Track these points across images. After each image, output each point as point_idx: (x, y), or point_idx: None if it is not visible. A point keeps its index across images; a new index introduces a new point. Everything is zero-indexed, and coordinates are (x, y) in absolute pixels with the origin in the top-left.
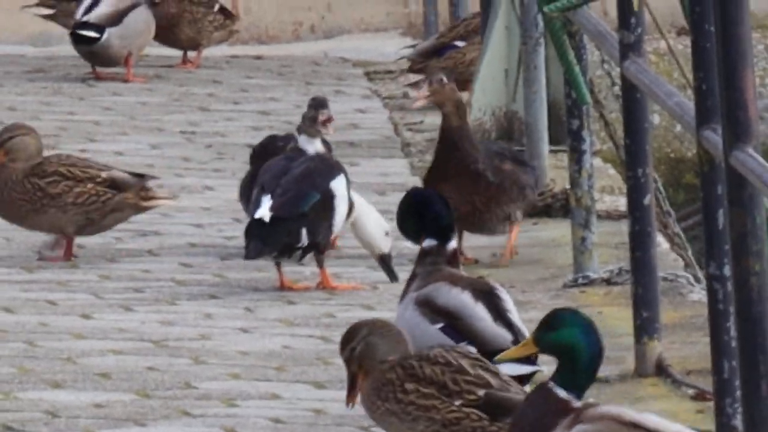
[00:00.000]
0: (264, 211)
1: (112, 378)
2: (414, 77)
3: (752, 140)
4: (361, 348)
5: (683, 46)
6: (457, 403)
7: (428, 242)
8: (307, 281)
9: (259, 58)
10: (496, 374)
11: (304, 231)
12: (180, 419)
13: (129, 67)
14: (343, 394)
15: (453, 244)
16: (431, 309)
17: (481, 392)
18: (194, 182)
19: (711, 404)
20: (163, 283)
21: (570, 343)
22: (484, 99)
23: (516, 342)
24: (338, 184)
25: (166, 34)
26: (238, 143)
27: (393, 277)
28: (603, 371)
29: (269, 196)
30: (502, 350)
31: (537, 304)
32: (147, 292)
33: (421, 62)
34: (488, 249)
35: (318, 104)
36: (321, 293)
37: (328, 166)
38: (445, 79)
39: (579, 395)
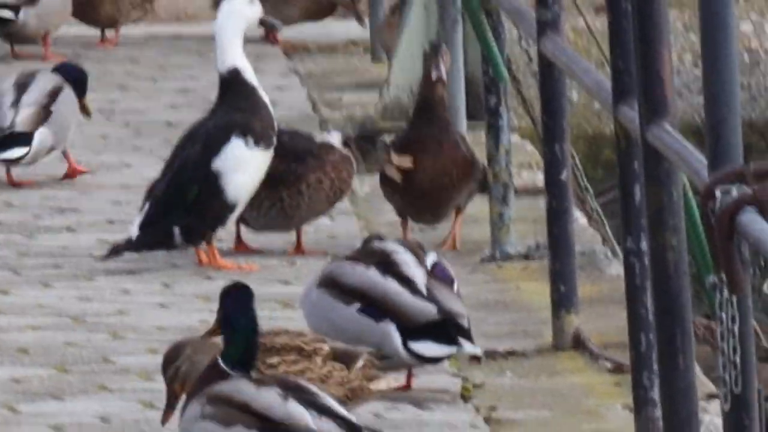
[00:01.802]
0: (133, 230)
1: (30, 353)
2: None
3: (669, 116)
4: (186, 367)
5: (601, 23)
6: (319, 360)
7: None
8: (227, 258)
9: (177, 37)
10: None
11: (176, 231)
12: (98, 394)
13: (47, 46)
14: None
15: None
16: (340, 290)
17: (326, 346)
18: (113, 160)
19: (628, 377)
20: (81, 259)
21: (225, 317)
22: (403, 76)
23: (439, 312)
24: (226, 158)
25: (85, 11)
26: (157, 121)
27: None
28: (521, 345)
29: (144, 209)
30: (428, 323)
31: (455, 279)
32: (65, 268)
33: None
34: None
35: (386, 145)
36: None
37: (216, 139)
38: (444, 47)
39: (234, 368)
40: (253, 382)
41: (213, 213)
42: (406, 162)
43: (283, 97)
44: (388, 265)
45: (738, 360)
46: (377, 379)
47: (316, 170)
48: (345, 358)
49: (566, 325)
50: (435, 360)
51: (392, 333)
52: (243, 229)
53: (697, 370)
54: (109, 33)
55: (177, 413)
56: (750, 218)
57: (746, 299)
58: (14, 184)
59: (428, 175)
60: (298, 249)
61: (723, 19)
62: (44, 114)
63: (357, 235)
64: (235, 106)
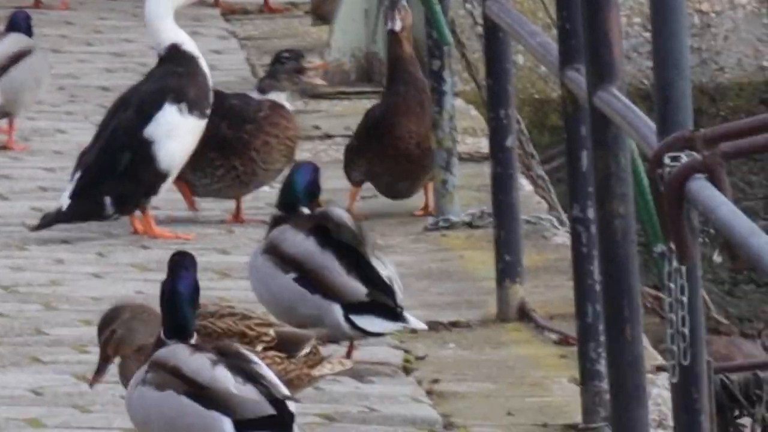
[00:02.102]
0: (63, 200)
1: None
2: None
3: (617, 80)
4: (122, 332)
5: None
6: (260, 348)
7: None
8: (163, 227)
9: None
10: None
11: (107, 200)
12: (30, 366)
13: None
14: None
15: (306, 210)
16: (281, 258)
17: (272, 331)
18: (46, 125)
19: (574, 349)
20: (13, 228)
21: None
22: (344, 40)
23: (371, 294)
24: (158, 124)
25: None
26: (91, 85)
27: None
28: (465, 315)
29: (74, 178)
30: (357, 302)
31: (397, 248)
32: None
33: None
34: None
35: (298, 54)
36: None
37: (149, 105)
38: (405, 4)
39: (171, 337)
40: (190, 347)
41: (146, 181)
42: (319, 66)
43: (221, 60)
44: (328, 236)
45: (687, 331)
46: (322, 364)
47: (259, 132)
48: (291, 344)
49: (511, 295)
50: (379, 334)
51: (333, 306)
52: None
53: (645, 341)
54: None
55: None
56: (700, 185)
57: (695, 269)
58: None
59: (414, 139)
60: (237, 217)
61: None
62: None
63: None
64: (171, 72)
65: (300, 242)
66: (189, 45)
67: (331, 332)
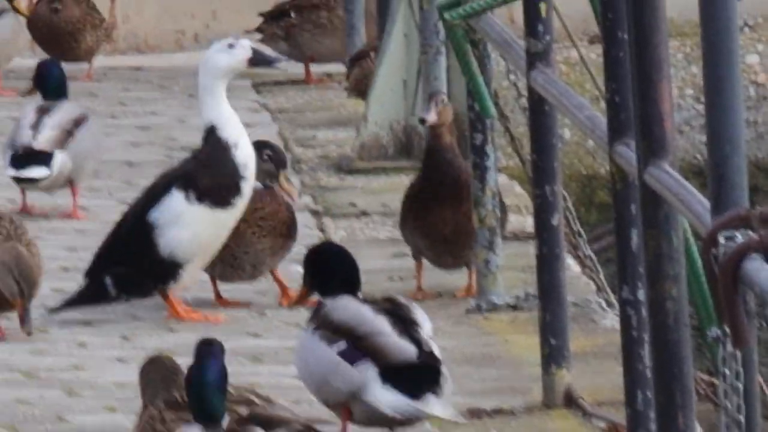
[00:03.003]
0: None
1: None
2: (346, 83)
3: (668, 156)
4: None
5: (596, 55)
6: (225, 421)
7: (337, 296)
8: (192, 307)
9: (138, 69)
10: (260, 396)
11: (108, 282)
12: None
13: None
14: None
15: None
16: (330, 328)
17: (245, 411)
18: (68, 202)
19: None
20: (33, 309)
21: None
22: (381, 112)
23: (420, 356)
24: (162, 210)
25: (62, 45)
26: (116, 161)
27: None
28: (509, 402)
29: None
30: (408, 364)
31: (438, 331)
32: (16, 319)
33: (351, 68)
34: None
35: (280, 162)
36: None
37: (157, 190)
38: (445, 98)
39: (203, 424)
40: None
41: (148, 266)
42: (293, 191)
43: (252, 134)
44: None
45: (743, 419)
46: None
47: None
48: (266, 424)
49: (557, 381)
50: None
51: (369, 373)
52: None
53: (699, 430)
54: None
55: None
56: (756, 266)
57: (751, 354)
58: (28, 212)
59: (448, 226)
60: (285, 295)
61: (727, 51)
62: (65, 137)
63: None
64: (192, 157)
65: (354, 308)
66: (227, 129)
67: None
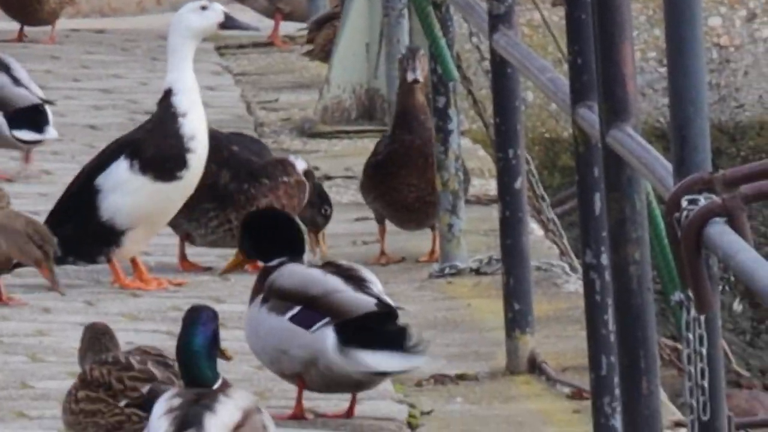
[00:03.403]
0: None
1: None
2: (307, 47)
3: (631, 118)
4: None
5: (558, 17)
6: (122, 403)
7: (276, 260)
8: (153, 274)
9: (101, 32)
10: (169, 366)
11: (57, 242)
12: (16, 421)
13: None
14: None
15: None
16: (279, 296)
17: (146, 388)
18: (32, 167)
19: (588, 403)
20: None
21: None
22: (344, 75)
23: (379, 305)
24: (107, 176)
25: (25, 8)
26: (79, 124)
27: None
28: (472, 368)
29: None
30: (367, 315)
31: (401, 296)
32: None
33: (315, 30)
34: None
35: (326, 222)
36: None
37: (107, 155)
38: (423, 51)
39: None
40: (195, 394)
41: (91, 229)
42: (322, 249)
43: (214, 97)
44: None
45: (706, 384)
46: None
47: (269, 194)
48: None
49: (521, 346)
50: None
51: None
52: (188, 245)
53: (663, 395)
54: (34, 29)
55: None
56: (719, 230)
57: (715, 318)
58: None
59: (413, 192)
60: (183, 262)
61: (689, 13)
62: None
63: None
64: (145, 127)
65: (301, 271)
66: (181, 96)
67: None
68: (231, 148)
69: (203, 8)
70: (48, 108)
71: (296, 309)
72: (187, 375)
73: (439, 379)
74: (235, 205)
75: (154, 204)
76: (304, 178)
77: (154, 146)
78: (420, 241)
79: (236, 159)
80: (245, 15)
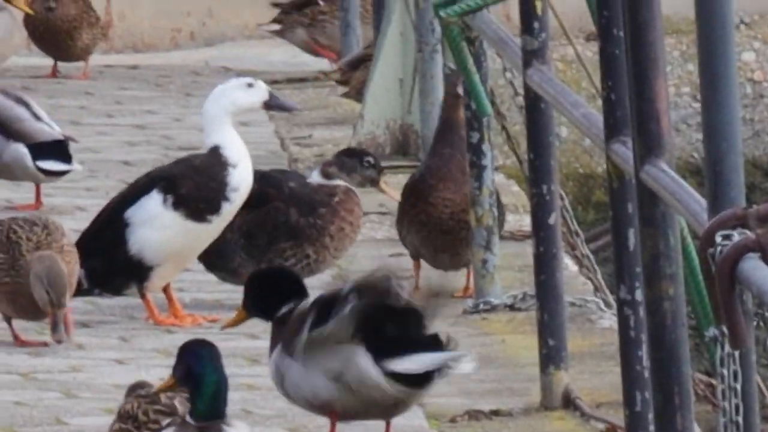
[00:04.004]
0: None
1: None
2: (341, 89)
3: (665, 154)
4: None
5: (592, 52)
6: None
7: (285, 308)
8: (188, 310)
9: (134, 67)
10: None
11: (83, 274)
12: None
13: None
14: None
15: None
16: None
17: (166, 421)
18: (64, 202)
19: None
20: None
21: (189, 372)
22: (377, 110)
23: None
24: (138, 209)
25: (58, 44)
26: (112, 160)
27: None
28: (507, 404)
29: None
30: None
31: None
32: (13, 321)
33: (348, 72)
34: None
35: (380, 168)
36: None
37: (138, 188)
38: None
39: (205, 422)
40: (196, 429)
41: (119, 263)
42: (394, 193)
43: (248, 133)
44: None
45: (741, 420)
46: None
47: (333, 219)
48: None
49: (555, 382)
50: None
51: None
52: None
53: (697, 431)
54: (67, 65)
55: None
56: (753, 265)
57: (749, 354)
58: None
59: (448, 208)
60: None
61: (723, 48)
62: None
63: (330, 283)
64: (187, 163)
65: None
66: (231, 149)
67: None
68: (290, 185)
69: (249, 86)
70: (69, 144)
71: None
72: (210, 408)
73: (474, 415)
74: (309, 239)
75: (183, 242)
76: (344, 185)
77: (194, 185)
78: (454, 276)
79: (296, 195)
80: (284, 49)
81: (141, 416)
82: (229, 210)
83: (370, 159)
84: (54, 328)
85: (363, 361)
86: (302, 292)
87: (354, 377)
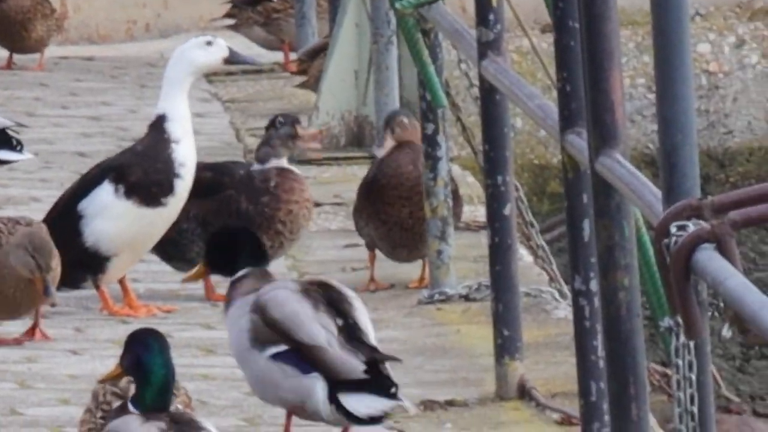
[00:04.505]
0: None
1: None
2: (300, 78)
3: (620, 145)
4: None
5: (547, 44)
6: (98, 415)
7: (244, 270)
8: (143, 301)
9: (90, 59)
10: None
11: None
12: None
13: None
14: None
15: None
16: (266, 323)
17: (116, 404)
18: (20, 193)
19: (578, 429)
20: None
21: (137, 361)
22: (333, 102)
23: (367, 371)
24: (91, 201)
25: (11, 36)
26: (67, 151)
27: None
28: (462, 394)
29: None
30: (352, 381)
31: (390, 322)
32: None
33: (306, 62)
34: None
35: (294, 119)
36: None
37: (90, 180)
38: (406, 120)
39: (147, 412)
40: (141, 417)
41: (75, 256)
42: (316, 134)
43: (203, 124)
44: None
45: (696, 410)
46: None
47: (279, 203)
48: None
49: (510, 372)
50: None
51: (316, 385)
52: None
53: (652, 421)
54: (23, 56)
55: None
56: (708, 256)
57: (704, 344)
58: None
59: (405, 207)
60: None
61: (678, 40)
62: None
63: (285, 273)
64: (133, 150)
65: (290, 306)
66: (175, 122)
67: (312, 417)
68: (240, 173)
69: (208, 44)
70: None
71: (282, 347)
72: (157, 398)
73: (429, 405)
74: (261, 228)
75: (139, 230)
76: (277, 166)
77: (142, 170)
78: (409, 267)
79: (244, 183)
80: (239, 40)
81: (101, 397)
82: (183, 187)
83: (280, 119)
84: (46, 291)
85: (322, 403)
86: (263, 257)
87: (311, 409)
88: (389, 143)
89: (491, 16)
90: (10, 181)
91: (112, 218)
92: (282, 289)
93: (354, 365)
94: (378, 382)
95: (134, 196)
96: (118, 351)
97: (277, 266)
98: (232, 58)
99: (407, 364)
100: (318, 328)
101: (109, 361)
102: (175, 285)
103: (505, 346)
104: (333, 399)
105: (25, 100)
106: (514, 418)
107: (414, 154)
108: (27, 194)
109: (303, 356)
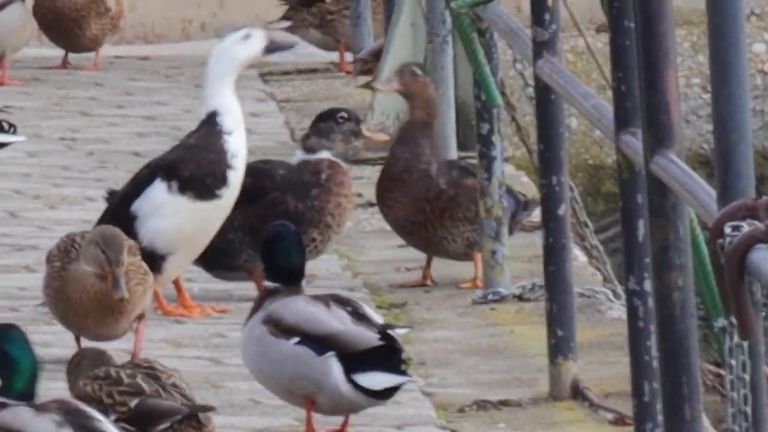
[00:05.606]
0: None
1: None
2: (363, 78)
3: (675, 145)
4: (74, 374)
5: (602, 43)
6: (112, 418)
7: (274, 285)
8: (197, 301)
9: (145, 58)
10: (158, 379)
11: None
12: None
13: (4, 69)
14: (234, 418)
15: (301, 286)
16: (280, 329)
17: (134, 402)
18: (74, 193)
19: (631, 429)
20: (40, 301)
21: (2, 354)
22: (388, 102)
23: (382, 338)
24: (144, 201)
25: (66, 34)
26: (122, 150)
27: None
28: (515, 394)
29: None
30: (364, 360)
31: (444, 322)
32: (23, 311)
33: (371, 62)
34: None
35: (357, 118)
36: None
37: (141, 180)
38: (418, 72)
39: (18, 399)
40: (32, 408)
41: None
42: (380, 137)
43: (258, 124)
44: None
45: (749, 411)
46: None
47: (329, 196)
48: (151, 417)
49: (564, 372)
50: (384, 393)
51: (332, 366)
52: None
53: (705, 421)
54: (76, 56)
55: None
56: (762, 256)
57: (758, 344)
58: None
59: (401, 209)
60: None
61: (733, 39)
62: None
63: (339, 273)
64: (184, 145)
65: (303, 307)
66: (228, 117)
67: (330, 400)
68: (280, 173)
69: (246, 37)
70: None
71: (297, 339)
72: (28, 387)
73: (482, 405)
74: (311, 223)
75: (194, 225)
76: (328, 158)
77: (195, 164)
78: (463, 267)
79: (288, 181)
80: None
81: (105, 399)
82: (236, 178)
83: (344, 114)
84: (115, 284)
85: (340, 382)
86: (297, 273)
87: (329, 391)
88: (394, 86)
89: (546, 16)
90: (64, 180)
91: (167, 216)
92: (292, 301)
93: (369, 335)
94: (389, 358)
95: (188, 191)
96: (172, 351)
97: (331, 266)
98: (270, 47)
99: (461, 365)
100: (332, 319)
101: (163, 360)
102: (228, 285)
103: (559, 347)
104: (349, 379)
105: (80, 100)
106: (568, 418)
107: (412, 147)
108: (81, 194)
109: (319, 343)
